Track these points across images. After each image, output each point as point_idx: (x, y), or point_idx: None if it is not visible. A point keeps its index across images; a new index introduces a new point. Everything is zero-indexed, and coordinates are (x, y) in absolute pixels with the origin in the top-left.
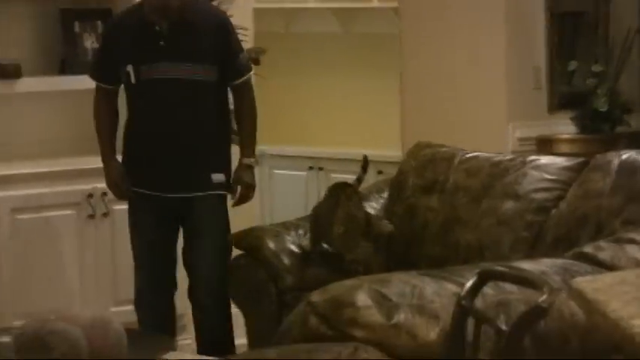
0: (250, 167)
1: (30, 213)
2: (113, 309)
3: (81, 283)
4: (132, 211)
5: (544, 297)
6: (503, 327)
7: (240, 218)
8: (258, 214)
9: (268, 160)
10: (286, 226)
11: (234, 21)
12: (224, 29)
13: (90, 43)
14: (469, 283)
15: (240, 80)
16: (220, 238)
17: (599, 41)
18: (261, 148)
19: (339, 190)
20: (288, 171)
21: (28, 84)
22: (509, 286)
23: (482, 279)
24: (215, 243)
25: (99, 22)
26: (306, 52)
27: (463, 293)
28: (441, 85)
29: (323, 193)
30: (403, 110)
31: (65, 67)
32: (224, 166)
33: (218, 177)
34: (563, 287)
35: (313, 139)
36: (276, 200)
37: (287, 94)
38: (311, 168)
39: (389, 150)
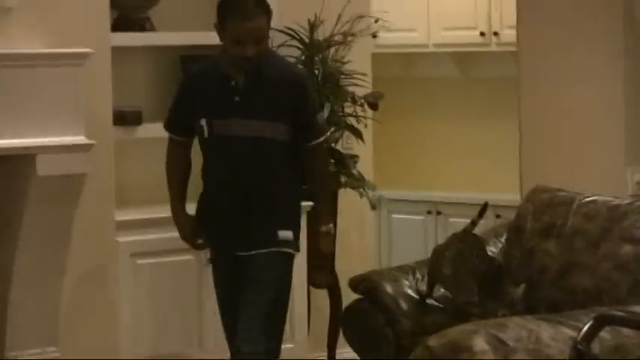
0: (328, 234)
1: (149, 258)
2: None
3: (199, 328)
4: (209, 260)
5: None
6: None
7: (358, 262)
8: (376, 258)
9: (387, 204)
10: (404, 270)
11: (352, 66)
12: (301, 87)
13: None
14: (585, 327)
15: (314, 143)
16: (272, 290)
17: None
18: (379, 192)
19: (454, 235)
20: (407, 215)
21: (148, 130)
22: (626, 331)
23: (599, 323)
24: (264, 294)
25: None
26: (424, 97)
27: (579, 337)
28: (559, 128)
29: (440, 238)
30: (522, 154)
31: None
32: (292, 223)
33: (285, 234)
34: None
35: (432, 183)
36: (394, 245)
37: (405, 139)
38: (429, 212)
39: (507, 194)
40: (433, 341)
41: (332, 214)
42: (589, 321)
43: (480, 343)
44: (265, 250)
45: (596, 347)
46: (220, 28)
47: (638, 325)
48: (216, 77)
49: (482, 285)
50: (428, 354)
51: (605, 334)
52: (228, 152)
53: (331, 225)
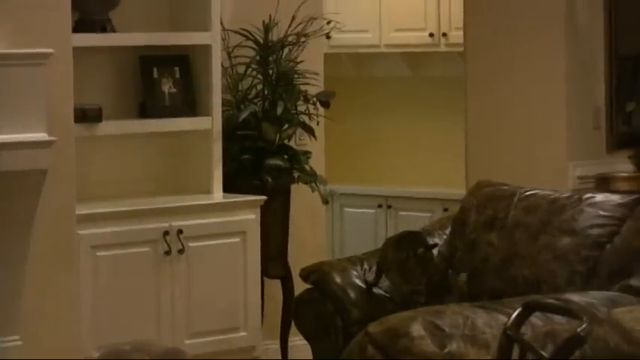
0: None
1: (109, 250)
2: (187, 341)
3: (157, 317)
4: None
5: (583, 326)
6: (546, 355)
7: (310, 254)
8: (328, 250)
9: (339, 199)
10: (352, 261)
11: (305, 66)
12: None
13: (167, 87)
14: (514, 314)
15: None
16: None
17: None
18: (331, 187)
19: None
20: (358, 209)
21: (108, 127)
22: (558, 318)
23: (527, 310)
24: None
25: (176, 68)
26: (376, 95)
27: (508, 324)
28: (503, 125)
29: (391, 231)
30: (467, 150)
31: (144, 110)
32: None
33: None
34: (605, 317)
35: (382, 178)
36: (346, 237)
37: (357, 136)
38: (380, 206)
39: (454, 188)
40: (373, 327)
41: None
42: (517, 308)
43: (417, 329)
44: None
45: (527, 333)
46: None
47: (564, 311)
48: None
49: (427, 275)
50: (368, 340)
51: (537, 320)
52: None
53: None
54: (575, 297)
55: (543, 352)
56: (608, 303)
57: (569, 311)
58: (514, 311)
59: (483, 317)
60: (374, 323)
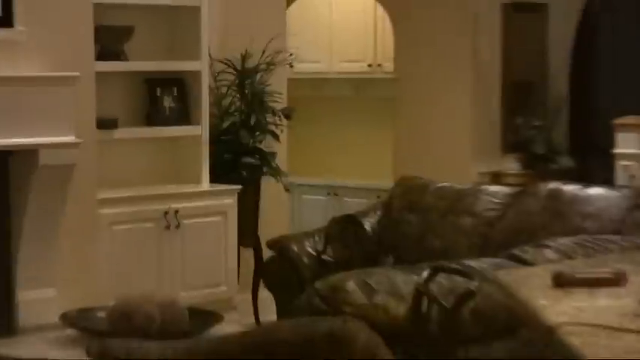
0: None
1: (122, 225)
2: (182, 293)
3: (158, 275)
4: None
5: (473, 284)
6: (447, 305)
7: (275, 230)
8: (290, 227)
9: (298, 188)
10: (306, 235)
11: (273, 88)
12: None
13: (167, 103)
14: (424, 275)
15: None
16: None
17: (539, 103)
18: (292, 179)
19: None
20: (312, 196)
21: (122, 133)
22: (457, 278)
23: (434, 272)
24: None
25: (174, 88)
26: (326, 110)
27: (420, 281)
28: (422, 134)
29: (336, 212)
30: (395, 152)
31: (149, 120)
32: None
33: None
34: (491, 277)
35: (331, 173)
36: (303, 217)
37: (312, 141)
38: (329, 194)
39: (384, 181)
40: (319, 284)
41: None
42: (427, 270)
43: (351, 285)
44: None
45: (434, 289)
46: None
47: (462, 273)
48: None
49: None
50: (315, 293)
51: (442, 280)
52: None
53: None
54: (472, 263)
55: (444, 303)
56: (495, 267)
57: (465, 273)
58: (424, 273)
59: (402, 277)
60: (319, 281)
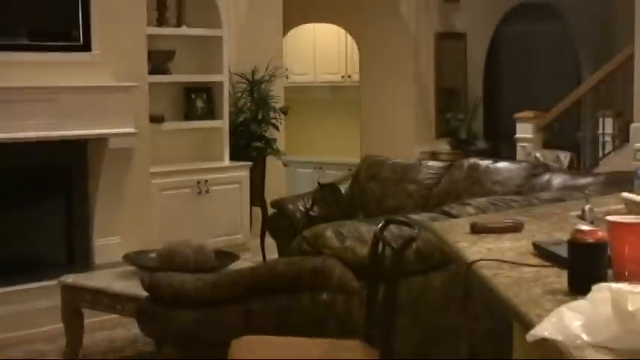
0: None
1: (168, 191)
2: (210, 240)
3: (193, 227)
4: None
5: (414, 231)
6: (396, 247)
7: (276, 194)
8: (288, 191)
9: (293, 164)
10: (299, 197)
11: (274, 93)
12: None
13: (199, 104)
14: (380, 225)
15: None
16: None
17: (462, 102)
18: (288, 158)
19: (326, 184)
20: (303, 169)
21: (168, 125)
22: (405, 228)
23: (387, 223)
24: None
25: (204, 94)
26: (312, 108)
27: (377, 230)
28: (381, 125)
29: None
30: (361, 138)
31: (187, 116)
32: None
33: None
34: (428, 226)
35: (316, 152)
36: (298, 185)
37: (302, 130)
38: (315, 168)
39: (354, 158)
40: (305, 232)
41: None
42: (382, 222)
43: (329, 233)
44: None
45: (388, 235)
46: None
47: (406, 224)
48: None
49: (338, 205)
50: (302, 239)
51: (394, 229)
52: None
53: None
54: (414, 216)
55: (394, 245)
56: (431, 219)
57: (408, 224)
58: (380, 224)
59: (365, 227)
60: (306, 230)
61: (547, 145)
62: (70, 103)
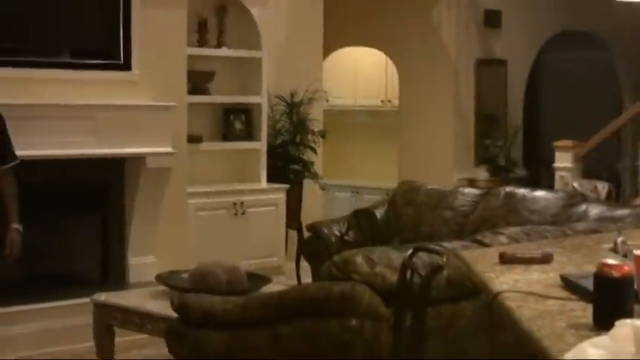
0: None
1: (204, 212)
2: (244, 262)
3: (228, 248)
4: None
5: (443, 259)
6: (423, 274)
7: (313, 217)
8: (324, 215)
9: (331, 188)
10: (334, 221)
11: (312, 116)
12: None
13: (238, 125)
14: (408, 252)
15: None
16: None
17: (502, 128)
18: (327, 181)
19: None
20: (341, 193)
21: (206, 146)
22: (435, 255)
23: (415, 251)
24: None
25: (243, 115)
26: (351, 132)
27: (406, 257)
28: (419, 150)
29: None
30: (399, 163)
31: (225, 137)
32: None
33: None
34: (457, 254)
35: (354, 177)
36: (336, 208)
37: (341, 153)
38: (353, 192)
39: (391, 183)
40: (336, 257)
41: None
42: (411, 249)
43: (359, 259)
44: None
45: (418, 262)
46: None
47: (435, 251)
48: None
49: (372, 231)
50: (332, 264)
51: (425, 256)
52: None
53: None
54: (446, 244)
55: (421, 273)
56: (462, 248)
57: (438, 252)
58: (409, 251)
59: (395, 254)
60: (336, 255)
61: (586, 174)
62: (109, 121)
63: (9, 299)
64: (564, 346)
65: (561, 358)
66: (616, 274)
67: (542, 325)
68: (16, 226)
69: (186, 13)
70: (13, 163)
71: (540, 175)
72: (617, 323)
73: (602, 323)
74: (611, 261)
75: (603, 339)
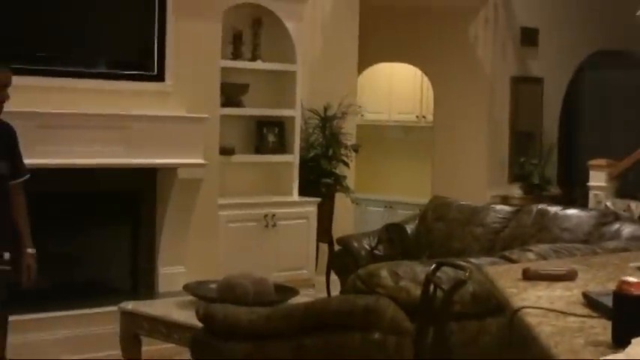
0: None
1: (235, 224)
2: (274, 274)
3: (258, 260)
4: None
5: (465, 274)
6: (446, 289)
7: (344, 231)
8: (355, 229)
9: (364, 202)
10: (364, 235)
11: (346, 130)
12: (15, 135)
13: (271, 138)
14: (432, 267)
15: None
16: None
17: (537, 146)
18: (359, 195)
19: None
20: (373, 208)
21: (238, 158)
22: (459, 271)
23: (439, 265)
24: None
25: (276, 128)
26: (384, 148)
27: (429, 271)
28: (452, 167)
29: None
30: (432, 179)
31: (258, 150)
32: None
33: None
34: (480, 270)
35: (387, 191)
36: (369, 223)
37: (375, 167)
38: (385, 207)
39: (423, 198)
40: (361, 271)
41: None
42: (434, 264)
43: (384, 273)
44: None
45: (442, 277)
46: None
47: (459, 266)
48: None
49: (402, 245)
50: (357, 277)
51: (450, 271)
52: None
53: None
54: (474, 260)
55: (444, 287)
56: (489, 264)
57: (461, 267)
58: (433, 266)
59: (420, 268)
60: (361, 269)
61: (620, 194)
62: (142, 131)
63: (38, 306)
64: None
65: None
66: (635, 291)
67: (560, 342)
68: (30, 250)
69: (221, 25)
70: (25, 178)
71: (575, 193)
72: (634, 341)
73: (621, 341)
74: (631, 279)
75: (618, 357)
